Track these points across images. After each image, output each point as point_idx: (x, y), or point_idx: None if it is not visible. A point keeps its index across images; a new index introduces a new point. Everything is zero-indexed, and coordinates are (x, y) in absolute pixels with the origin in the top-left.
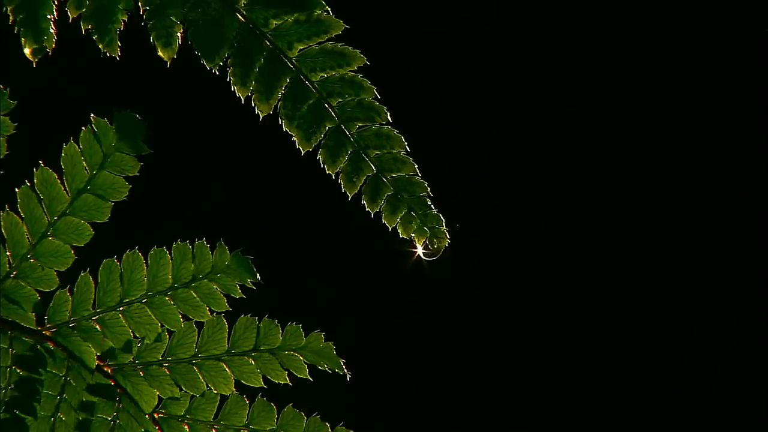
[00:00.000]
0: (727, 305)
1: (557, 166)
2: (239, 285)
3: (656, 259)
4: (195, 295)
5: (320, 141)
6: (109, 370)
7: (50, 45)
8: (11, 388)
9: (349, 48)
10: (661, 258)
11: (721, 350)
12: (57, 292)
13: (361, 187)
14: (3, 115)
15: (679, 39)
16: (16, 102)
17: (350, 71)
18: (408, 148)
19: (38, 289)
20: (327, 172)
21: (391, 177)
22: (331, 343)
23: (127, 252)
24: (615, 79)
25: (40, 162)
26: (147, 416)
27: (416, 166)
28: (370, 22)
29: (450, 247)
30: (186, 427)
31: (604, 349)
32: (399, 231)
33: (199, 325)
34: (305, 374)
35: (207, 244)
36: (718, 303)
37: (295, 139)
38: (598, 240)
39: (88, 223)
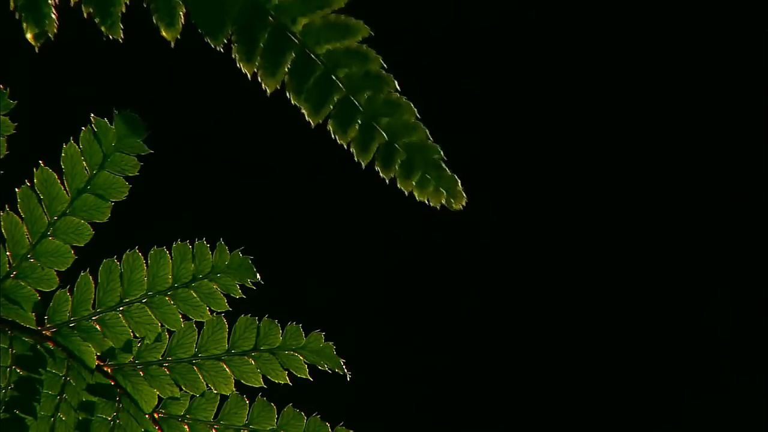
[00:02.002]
0: (727, 304)
1: (558, 167)
2: (239, 285)
3: (656, 260)
4: (195, 295)
5: (330, 113)
6: (109, 370)
7: (52, 30)
8: (11, 388)
9: (353, 19)
10: (660, 258)
11: (721, 350)
12: (57, 292)
13: (373, 155)
14: (3, 115)
15: (678, 39)
16: (16, 102)
17: (355, 42)
18: (418, 115)
19: (38, 289)
20: (338, 142)
21: (404, 143)
22: (331, 343)
23: (127, 252)
24: (615, 80)
25: (40, 162)
26: (147, 416)
27: (427, 131)
28: (370, 21)
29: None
30: (186, 427)
31: (606, 350)
32: (415, 194)
33: (199, 325)
34: (305, 374)
35: (207, 244)
36: (719, 301)
37: (304, 112)
38: (598, 240)
39: (88, 223)
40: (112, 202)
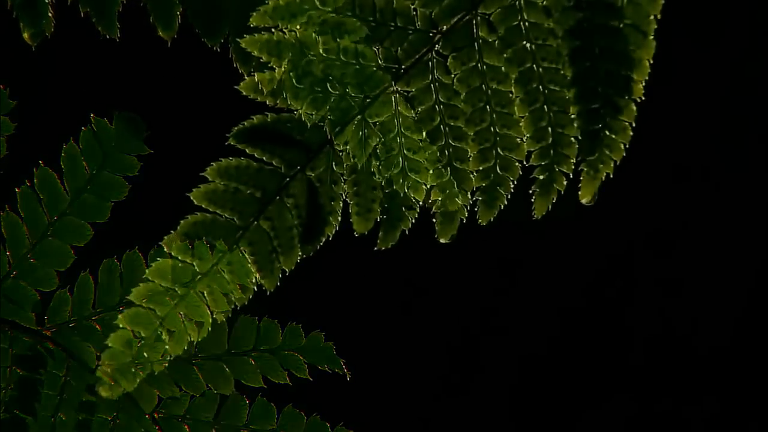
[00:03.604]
0: (728, 304)
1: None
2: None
3: (655, 261)
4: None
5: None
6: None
7: (48, 29)
8: (11, 388)
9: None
10: (660, 259)
11: (719, 350)
12: (57, 292)
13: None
14: (3, 115)
15: (676, 36)
16: (16, 102)
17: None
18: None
19: (38, 289)
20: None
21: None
22: (331, 343)
23: (127, 252)
24: None
25: (40, 162)
26: (147, 416)
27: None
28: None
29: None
30: (186, 427)
31: (607, 350)
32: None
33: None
34: (305, 374)
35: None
36: (720, 302)
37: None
38: (597, 239)
39: (88, 223)
40: (112, 202)
